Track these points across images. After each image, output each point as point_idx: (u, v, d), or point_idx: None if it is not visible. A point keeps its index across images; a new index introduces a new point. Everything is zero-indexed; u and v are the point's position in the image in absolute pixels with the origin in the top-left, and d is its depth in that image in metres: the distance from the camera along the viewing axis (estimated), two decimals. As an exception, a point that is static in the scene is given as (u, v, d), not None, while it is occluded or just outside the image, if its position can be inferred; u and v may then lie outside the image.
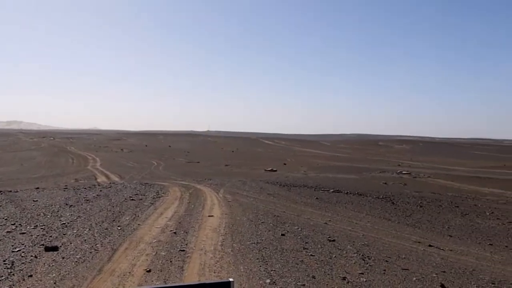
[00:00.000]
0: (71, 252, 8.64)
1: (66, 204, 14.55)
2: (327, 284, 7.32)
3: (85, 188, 19.97)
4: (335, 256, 9.14)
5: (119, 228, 10.93)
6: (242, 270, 7.85)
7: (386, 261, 9.15)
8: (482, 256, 11.36)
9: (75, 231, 10.44)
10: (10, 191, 18.75)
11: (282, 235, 10.85)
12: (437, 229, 15.58)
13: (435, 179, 35.57)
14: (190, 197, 16.98)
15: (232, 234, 10.70)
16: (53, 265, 7.80)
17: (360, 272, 8.12)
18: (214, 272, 7.64)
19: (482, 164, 61.80)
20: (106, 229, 10.79)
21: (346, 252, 9.57)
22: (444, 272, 8.64)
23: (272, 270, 7.87)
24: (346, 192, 23.22)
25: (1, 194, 17.20)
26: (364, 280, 7.66)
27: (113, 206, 14.15)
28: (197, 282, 2.51)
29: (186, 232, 10.64)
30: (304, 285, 7.22)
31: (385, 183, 30.32)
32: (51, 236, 9.89)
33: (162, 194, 17.42)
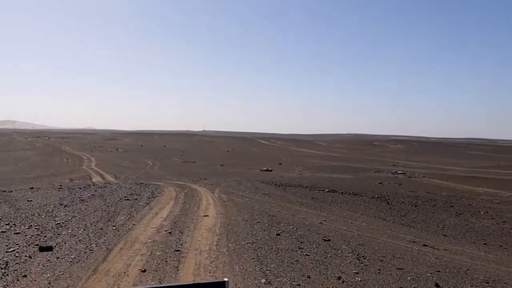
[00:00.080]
0: (65, 252, 8.60)
1: (61, 204, 14.49)
2: (322, 284, 7.33)
3: (80, 188, 19.90)
4: (330, 256, 9.16)
5: (114, 228, 10.90)
6: (237, 270, 7.85)
7: (381, 260, 9.17)
8: (476, 256, 11.41)
9: (69, 231, 10.40)
10: (4, 191, 18.66)
11: (277, 234, 10.85)
12: (431, 228, 15.63)
13: (430, 179, 35.70)
14: (186, 197, 16.96)
15: (227, 234, 10.69)
16: (47, 265, 7.77)
17: (355, 271, 8.14)
18: (209, 272, 7.64)
19: (476, 164, 62.09)
20: (101, 229, 10.76)
21: (341, 252, 9.59)
22: (439, 271, 8.67)
23: (267, 270, 7.87)
24: (341, 192, 23.26)
25: (-5, 194, 17.10)
26: (359, 279, 7.68)
27: (108, 206, 14.11)
28: (192, 282, 2.50)
29: (181, 232, 10.62)
30: (299, 284, 7.23)
31: (380, 183, 30.40)
32: (45, 236, 9.85)
33: (157, 194, 17.39)
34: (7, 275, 7.21)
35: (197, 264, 8.07)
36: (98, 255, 8.50)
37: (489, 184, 32.18)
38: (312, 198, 20.36)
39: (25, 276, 7.19)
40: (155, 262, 8.13)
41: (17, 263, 7.85)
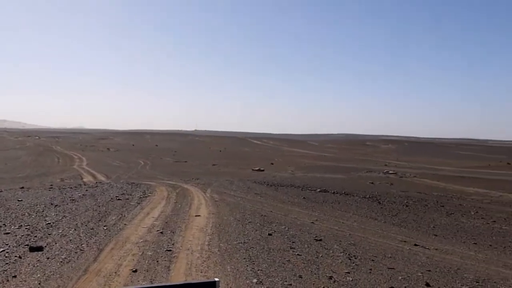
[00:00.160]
0: (56, 252, 8.55)
1: (51, 203, 14.40)
2: (313, 284, 7.35)
3: (71, 188, 19.79)
4: (321, 256, 9.18)
5: (105, 228, 10.85)
6: (229, 269, 7.85)
7: (372, 260, 9.21)
8: (466, 255, 11.49)
9: (60, 231, 10.34)
10: (-6, 190, 18.50)
11: (269, 234, 10.86)
12: (422, 228, 15.72)
13: (421, 179, 35.89)
14: (177, 197, 16.92)
15: (219, 233, 10.69)
16: (37, 266, 7.71)
17: (346, 271, 8.17)
18: (201, 272, 7.63)
19: (467, 164, 62.54)
20: (92, 229, 10.70)
21: (332, 252, 9.61)
22: (429, 271, 8.72)
23: (259, 270, 7.88)
24: (333, 191, 23.32)
25: (-15, 193, 16.96)
26: (351, 279, 7.70)
27: (99, 206, 14.04)
28: (183, 282, 2.50)
29: (173, 232, 10.60)
30: (290, 284, 7.24)
31: (372, 183, 30.51)
32: (35, 236, 9.79)
33: (149, 194, 17.33)
34: (-3, 275, 7.15)
35: (188, 264, 8.06)
36: (89, 255, 8.46)
37: (479, 184, 32.40)
38: (304, 198, 20.41)
39: (15, 276, 7.14)
40: (146, 262, 8.11)
41: (7, 263, 7.78)
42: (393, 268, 8.64)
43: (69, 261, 8.05)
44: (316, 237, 10.97)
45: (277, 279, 7.44)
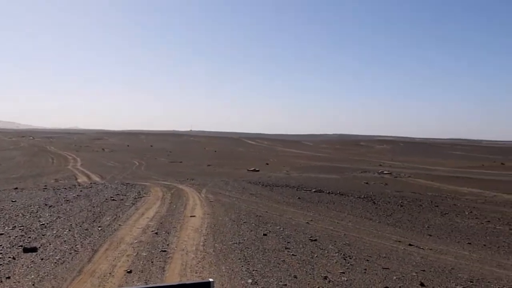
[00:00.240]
0: (50, 253, 8.52)
1: (46, 204, 14.34)
2: (308, 284, 7.36)
3: (65, 189, 19.72)
4: (316, 256, 9.20)
5: (99, 228, 10.82)
6: (224, 270, 7.84)
7: (367, 260, 9.23)
8: (460, 255, 11.54)
9: (54, 232, 10.30)
10: (-12, 191, 18.40)
11: (264, 235, 10.87)
12: (417, 228, 15.78)
13: (416, 179, 36.00)
14: (172, 197, 16.89)
15: (214, 234, 10.68)
16: (31, 267, 7.68)
17: (341, 271, 8.18)
18: (196, 273, 7.62)
19: (461, 164, 62.79)
20: (87, 229, 10.67)
21: (327, 252, 9.63)
22: (424, 271, 8.75)
23: (254, 270, 7.88)
24: (328, 192, 23.36)
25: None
26: (345, 279, 7.72)
27: (94, 207, 14.00)
28: (177, 283, 2.50)
29: (168, 233, 10.58)
30: (285, 284, 7.24)
31: (367, 183, 30.58)
32: (29, 237, 9.74)
33: (144, 194, 17.29)
34: (-10, 276, 7.11)
35: (183, 265, 8.05)
36: (83, 256, 8.43)
37: (473, 184, 32.55)
38: (299, 198, 20.43)
39: (9, 277, 7.10)
40: (141, 262, 8.09)
41: (1, 264, 7.75)
42: (387, 268, 8.66)
43: (63, 262, 8.02)
44: (311, 237, 10.99)
45: (272, 279, 7.45)
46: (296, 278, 7.61)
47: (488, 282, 8.40)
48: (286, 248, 9.65)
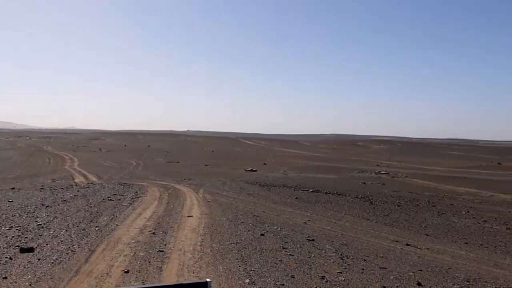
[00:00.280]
0: (47, 254, 8.50)
1: (43, 204, 14.30)
2: (306, 284, 7.36)
3: (62, 189, 19.67)
4: (314, 256, 9.20)
5: (96, 228, 10.80)
6: (221, 270, 7.84)
7: (364, 260, 9.24)
8: (457, 255, 11.57)
9: (51, 232, 10.27)
10: (-16, 191, 18.34)
11: (262, 235, 10.86)
12: (414, 228, 15.80)
13: (413, 179, 36.06)
14: (169, 197, 16.88)
15: (211, 234, 10.67)
16: (28, 267, 7.66)
17: (338, 271, 8.19)
18: (193, 273, 7.61)
19: (458, 164, 62.92)
20: (84, 230, 10.65)
21: (325, 252, 9.64)
22: (421, 270, 8.77)
23: (251, 270, 7.88)
24: (325, 192, 23.37)
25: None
26: (343, 279, 7.72)
27: (91, 207, 13.97)
28: (174, 283, 2.49)
29: (165, 233, 10.57)
30: (283, 284, 7.24)
31: (364, 183, 30.61)
32: (26, 237, 9.72)
33: (141, 194, 17.27)
34: (-13, 277, 7.09)
35: (180, 265, 8.04)
36: (80, 256, 8.41)
37: (470, 184, 32.62)
38: (296, 198, 20.43)
39: (5, 278, 7.09)
40: (138, 262, 8.08)
41: (-3, 264, 7.72)
42: (385, 268, 8.68)
43: (60, 262, 8.01)
44: (308, 237, 10.99)
45: (269, 279, 7.45)
46: (294, 278, 7.61)
47: (485, 281, 8.42)
48: (283, 248, 9.65)
